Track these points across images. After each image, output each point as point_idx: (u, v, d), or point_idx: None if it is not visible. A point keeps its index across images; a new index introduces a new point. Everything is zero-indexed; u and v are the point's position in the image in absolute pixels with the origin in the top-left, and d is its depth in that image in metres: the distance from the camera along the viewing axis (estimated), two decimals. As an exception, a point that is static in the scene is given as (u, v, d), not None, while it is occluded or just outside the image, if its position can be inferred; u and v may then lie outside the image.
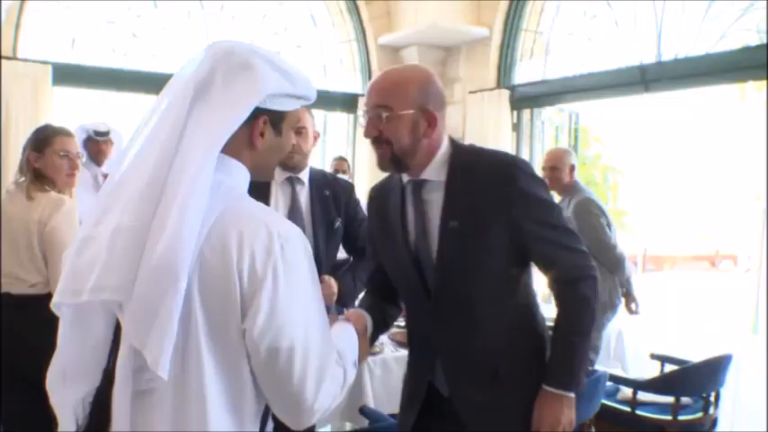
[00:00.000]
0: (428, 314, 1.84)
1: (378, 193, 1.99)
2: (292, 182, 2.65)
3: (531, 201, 1.75)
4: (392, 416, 3.64)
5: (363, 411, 2.77)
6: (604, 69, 5.10)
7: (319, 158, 6.94)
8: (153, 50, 5.93)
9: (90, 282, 1.12)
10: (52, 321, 1.22)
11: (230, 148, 1.21)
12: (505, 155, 1.92)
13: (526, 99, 5.83)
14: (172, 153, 1.13)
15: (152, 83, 5.76)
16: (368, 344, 1.79)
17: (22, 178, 2.68)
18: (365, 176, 6.36)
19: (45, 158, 2.67)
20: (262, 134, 1.26)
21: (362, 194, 5.91)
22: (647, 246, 19.63)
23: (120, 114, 6.08)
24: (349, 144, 6.80)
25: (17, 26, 5.34)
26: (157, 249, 1.08)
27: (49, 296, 1.76)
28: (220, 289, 1.13)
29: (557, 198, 4.05)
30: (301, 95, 1.31)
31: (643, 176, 26.18)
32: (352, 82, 6.79)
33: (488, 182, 1.74)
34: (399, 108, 1.71)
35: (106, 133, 4.37)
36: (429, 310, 1.84)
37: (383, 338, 3.58)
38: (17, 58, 5.24)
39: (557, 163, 3.96)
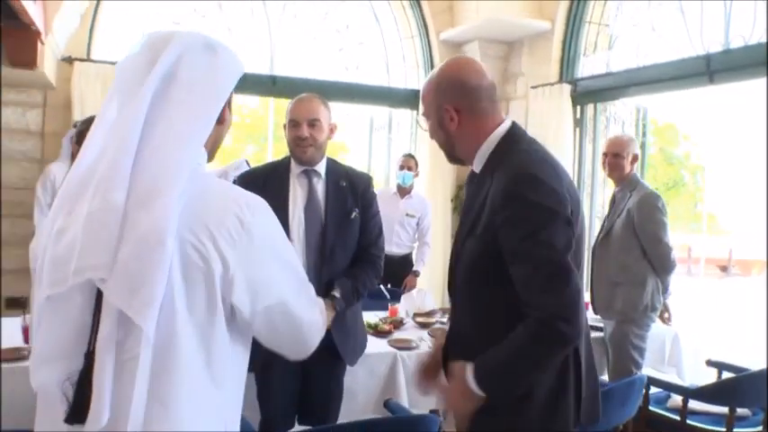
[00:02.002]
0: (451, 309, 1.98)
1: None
2: (309, 174, 2.66)
3: (515, 222, 1.65)
4: (433, 411, 3.62)
5: (387, 405, 2.76)
6: (668, 60, 4.86)
7: (384, 156, 6.97)
8: (218, 50, 6.07)
9: (72, 266, 1.16)
10: None
11: None
12: (527, 166, 1.71)
13: (589, 93, 5.65)
14: (136, 140, 1.19)
15: (216, 81, 5.94)
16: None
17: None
18: (426, 172, 6.34)
19: None
20: (221, 118, 1.34)
21: (423, 190, 6.02)
22: (734, 249, 18.66)
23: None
24: (412, 141, 6.76)
25: (91, 29, 5.59)
26: (145, 222, 1.15)
27: None
28: (201, 264, 1.20)
29: (611, 189, 3.91)
30: (241, 73, 1.38)
31: (730, 174, 24.87)
32: (414, 78, 6.77)
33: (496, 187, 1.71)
34: (427, 115, 1.88)
35: None
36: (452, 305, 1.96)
37: (421, 333, 3.55)
38: (90, 60, 5.49)
39: (619, 150, 3.76)
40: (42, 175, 4.82)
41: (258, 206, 1.29)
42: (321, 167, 2.67)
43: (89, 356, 1.18)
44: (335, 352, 2.62)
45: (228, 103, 1.37)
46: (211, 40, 1.31)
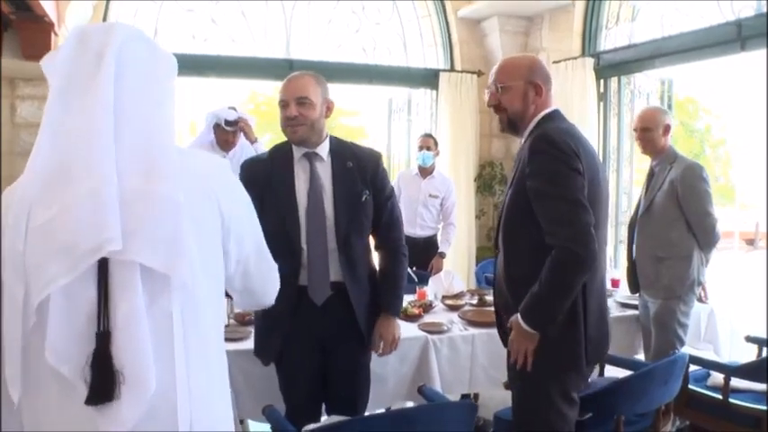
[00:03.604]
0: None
1: None
2: (310, 158, 2.49)
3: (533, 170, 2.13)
4: (464, 396, 3.56)
5: (422, 391, 2.68)
6: (696, 28, 4.71)
7: (404, 138, 6.88)
8: (232, 35, 6.02)
9: (80, 248, 1.17)
10: None
11: None
12: (548, 131, 2.18)
13: (612, 66, 5.52)
14: (110, 122, 1.22)
15: (232, 67, 5.89)
16: None
17: None
18: (448, 152, 6.25)
19: None
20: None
21: (445, 168, 5.92)
22: (761, 222, 18.41)
23: (203, 99, 6.21)
24: (432, 121, 6.65)
25: (104, 20, 5.53)
26: (139, 189, 1.21)
27: None
28: (209, 218, 1.32)
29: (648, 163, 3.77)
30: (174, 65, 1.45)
31: (754, 146, 24.42)
32: (433, 57, 6.65)
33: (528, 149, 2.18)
34: (509, 85, 2.26)
35: (235, 123, 4.17)
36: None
37: (451, 316, 3.48)
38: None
39: (648, 123, 3.60)
40: None
41: (226, 165, 1.45)
42: (323, 149, 2.50)
43: (102, 336, 1.18)
44: (360, 338, 2.53)
45: None
46: (142, 32, 1.38)
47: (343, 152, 2.53)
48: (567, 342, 2.17)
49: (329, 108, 2.51)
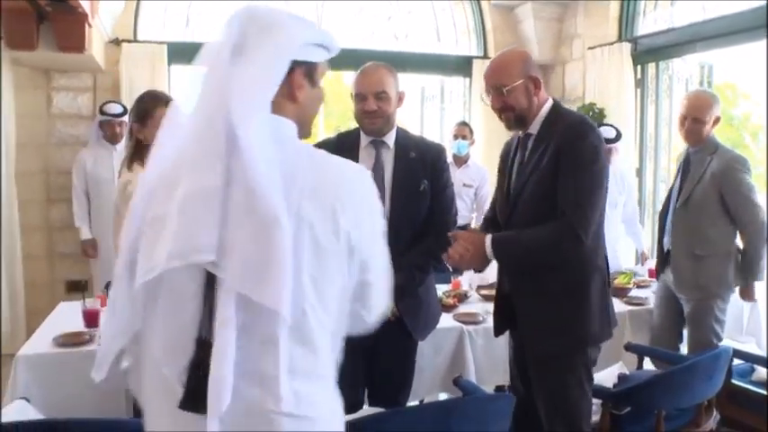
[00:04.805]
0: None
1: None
2: (377, 145, 2.57)
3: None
4: (498, 388, 3.51)
5: (458, 382, 2.65)
6: (737, 11, 4.55)
7: (437, 127, 6.81)
8: (263, 25, 5.99)
9: (166, 251, 1.15)
10: None
11: (274, 106, 1.25)
12: (582, 117, 2.36)
13: (650, 52, 5.38)
14: (224, 116, 1.17)
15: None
16: None
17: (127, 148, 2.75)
18: (482, 141, 6.16)
19: (147, 130, 2.64)
20: (300, 87, 1.31)
21: (479, 157, 5.84)
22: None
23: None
24: (465, 109, 6.57)
25: (137, 10, 5.58)
26: (249, 205, 1.14)
27: None
28: (325, 239, 1.21)
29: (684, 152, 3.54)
30: (326, 45, 1.36)
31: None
32: (465, 45, 6.56)
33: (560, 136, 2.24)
34: (510, 83, 2.28)
35: None
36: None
37: (487, 306, 3.43)
38: (137, 41, 5.48)
39: (701, 113, 3.29)
40: (75, 162, 4.86)
41: (366, 175, 1.33)
42: (390, 138, 2.57)
43: (201, 343, 1.18)
44: (404, 327, 2.50)
45: (311, 80, 1.35)
46: (276, 13, 1.30)
47: (408, 143, 2.60)
48: (581, 320, 2.28)
49: (401, 99, 2.58)
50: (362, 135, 2.59)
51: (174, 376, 1.19)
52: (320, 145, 2.65)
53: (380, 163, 2.55)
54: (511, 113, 2.32)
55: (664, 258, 3.52)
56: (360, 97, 2.50)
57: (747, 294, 3.39)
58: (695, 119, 3.31)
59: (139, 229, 1.24)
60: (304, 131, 1.37)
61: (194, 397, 1.16)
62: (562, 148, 2.21)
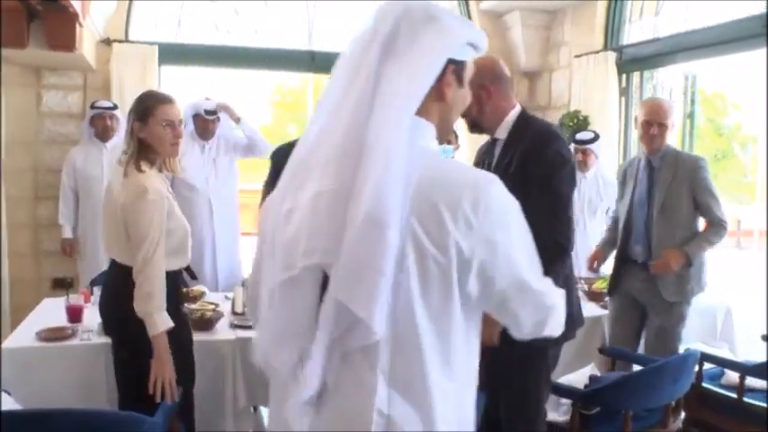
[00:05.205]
0: None
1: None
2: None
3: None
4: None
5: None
6: (721, 22, 4.63)
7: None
8: (255, 27, 6.05)
9: (300, 248, 1.16)
10: None
11: (419, 107, 1.20)
12: (549, 126, 2.48)
13: (635, 61, 5.45)
14: (366, 114, 1.15)
15: (255, 58, 5.93)
16: None
17: (127, 149, 2.57)
18: (465, 145, 6.21)
19: (149, 128, 2.54)
20: (449, 85, 1.27)
21: (464, 162, 5.86)
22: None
23: (224, 90, 6.25)
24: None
25: (128, 10, 5.62)
26: (362, 207, 1.09)
27: None
28: (435, 251, 1.14)
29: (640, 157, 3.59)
30: (477, 44, 1.31)
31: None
32: (454, 51, 6.62)
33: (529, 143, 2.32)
34: None
35: (214, 112, 4.63)
36: None
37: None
38: (128, 41, 5.52)
39: (666, 120, 3.34)
40: (66, 160, 4.89)
41: (492, 184, 1.20)
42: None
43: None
44: None
45: (459, 80, 1.30)
46: (434, 8, 1.24)
47: None
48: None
49: None
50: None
51: (290, 370, 1.22)
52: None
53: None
54: (466, 118, 2.42)
55: (628, 268, 3.52)
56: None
57: (670, 258, 3.29)
58: (661, 124, 3.37)
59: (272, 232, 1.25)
60: (445, 133, 1.34)
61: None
62: (528, 155, 2.29)
